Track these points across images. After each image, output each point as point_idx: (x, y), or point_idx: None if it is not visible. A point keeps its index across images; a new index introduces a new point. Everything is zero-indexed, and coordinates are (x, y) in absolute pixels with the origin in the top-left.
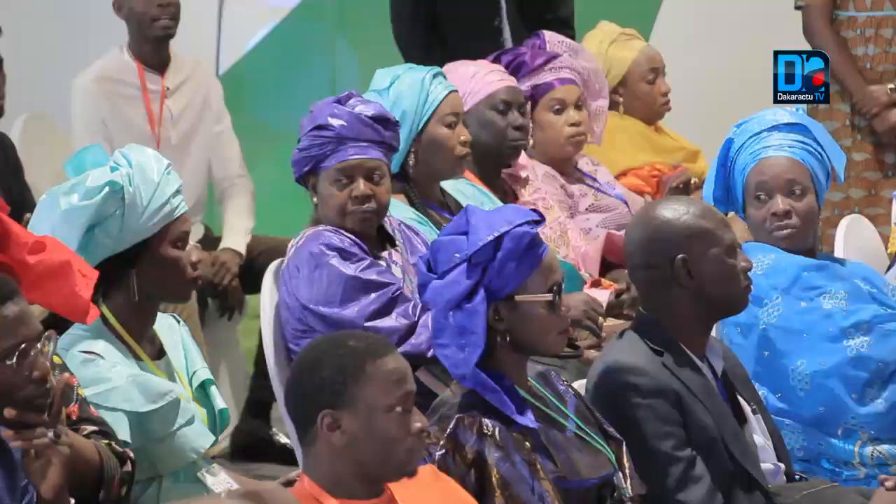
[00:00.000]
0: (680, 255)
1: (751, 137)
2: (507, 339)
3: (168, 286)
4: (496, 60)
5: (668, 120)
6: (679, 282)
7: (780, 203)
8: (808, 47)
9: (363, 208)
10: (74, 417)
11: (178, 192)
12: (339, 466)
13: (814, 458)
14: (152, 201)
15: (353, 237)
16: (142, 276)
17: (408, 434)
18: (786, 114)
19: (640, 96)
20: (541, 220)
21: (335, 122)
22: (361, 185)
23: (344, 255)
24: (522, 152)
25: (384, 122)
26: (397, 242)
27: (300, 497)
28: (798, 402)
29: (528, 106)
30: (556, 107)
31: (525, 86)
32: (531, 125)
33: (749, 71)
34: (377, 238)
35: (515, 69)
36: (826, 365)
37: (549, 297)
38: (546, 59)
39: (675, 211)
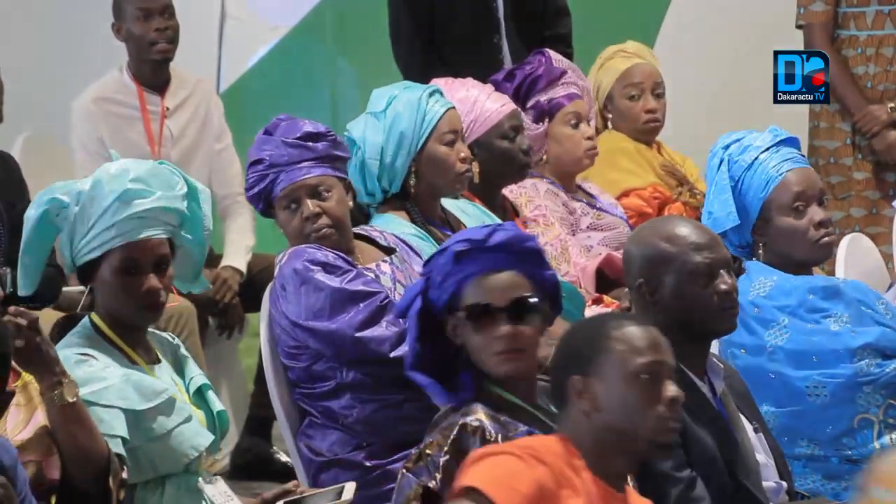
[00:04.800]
0: (639, 280)
1: (762, 153)
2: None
3: (117, 309)
4: (510, 76)
5: (671, 132)
6: (644, 306)
7: (822, 212)
8: None
9: (317, 226)
10: None
11: (135, 217)
12: (592, 434)
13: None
14: (97, 225)
15: (335, 251)
16: (98, 293)
17: (657, 402)
18: (774, 132)
19: (623, 112)
20: (485, 240)
21: (264, 153)
22: (309, 205)
23: (328, 268)
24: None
25: (314, 137)
26: (396, 252)
27: (555, 455)
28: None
29: (546, 120)
30: (573, 121)
31: (542, 99)
32: (545, 139)
33: (752, 85)
34: (367, 250)
35: (532, 84)
36: (839, 379)
37: (462, 315)
38: (560, 74)
39: (646, 233)
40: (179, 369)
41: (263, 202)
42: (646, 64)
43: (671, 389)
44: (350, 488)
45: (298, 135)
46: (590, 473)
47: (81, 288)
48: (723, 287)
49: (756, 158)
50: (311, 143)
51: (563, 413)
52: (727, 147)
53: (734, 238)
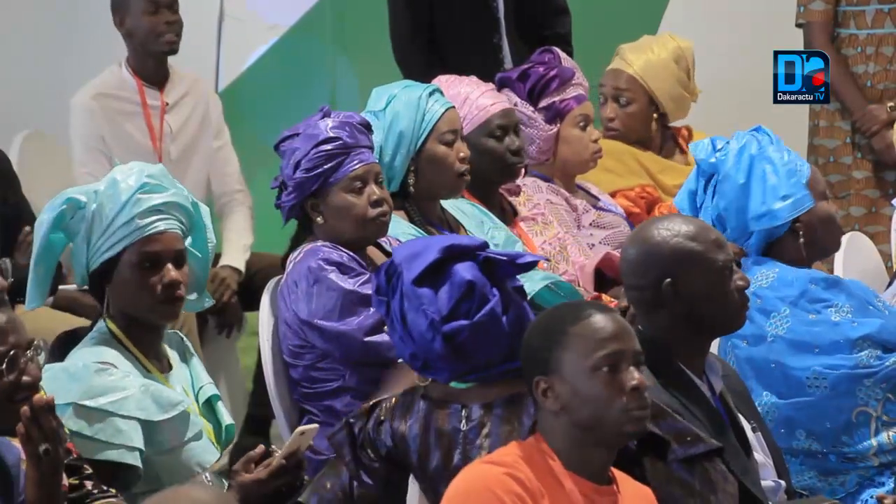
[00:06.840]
0: (667, 280)
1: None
2: None
3: (136, 307)
4: (523, 76)
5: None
6: (667, 305)
7: None
8: None
9: (383, 210)
10: (75, 456)
11: (153, 210)
12: (563, 433)
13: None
14: (116, 220)
15: (350, 252)
16: (114, 294)
17: (620, 393)
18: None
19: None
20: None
21: (339, 133)
22: (376, 190)
23: (342, 269)
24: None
25: (369, 127)
26: None
27: (531, 455)
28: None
29: (558, 122)
30: (582, 123)
31: (556, 99)
32: (555, 140)
33: (752, 85)
34: (376, 255)
35: (545, 84)
36: (840, 370)
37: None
38: (571, 75)
39: (664, 233)
40: (188, 367)
41: (318, 184)
42: (618, 69)
43: (634, 377)
44: (310, 428)
45: (361, 121)
46: (568, 473)
47: (77, 286)
48: (741, 283)
49: (784, 148)
50: (367, 132)
51: (538, 414)
52: (750, 137)
53: (763, 234)
